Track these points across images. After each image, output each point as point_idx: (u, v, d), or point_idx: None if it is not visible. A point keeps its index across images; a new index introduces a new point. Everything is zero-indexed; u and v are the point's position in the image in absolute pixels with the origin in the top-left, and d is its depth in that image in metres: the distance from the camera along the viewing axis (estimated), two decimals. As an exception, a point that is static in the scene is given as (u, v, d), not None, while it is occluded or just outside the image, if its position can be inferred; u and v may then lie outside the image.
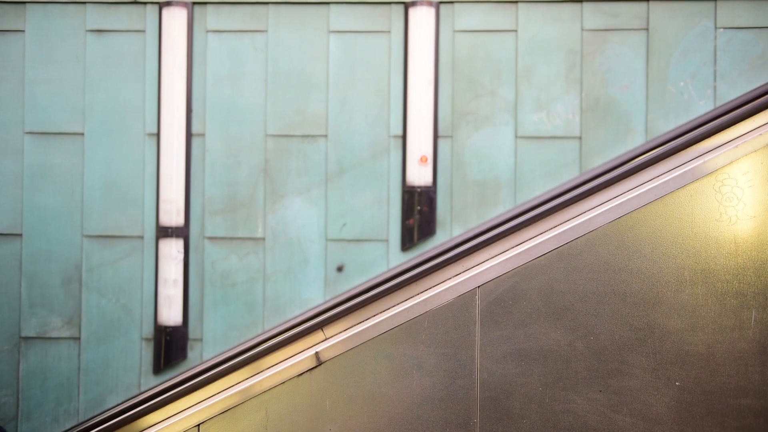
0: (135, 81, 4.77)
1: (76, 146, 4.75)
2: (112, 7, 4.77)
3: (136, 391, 4.51)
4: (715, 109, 4.40)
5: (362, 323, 2.44)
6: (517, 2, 4.70)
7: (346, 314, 2.45)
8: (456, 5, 4.71)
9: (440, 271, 2.44)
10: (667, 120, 4.62)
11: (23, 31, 4.79)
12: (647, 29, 4.67)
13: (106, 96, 4.77)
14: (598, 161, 4.58)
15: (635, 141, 4.60)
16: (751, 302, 2.31)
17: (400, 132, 4.66)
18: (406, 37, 4.70)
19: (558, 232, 2.40)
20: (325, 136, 4.72)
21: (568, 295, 2.36)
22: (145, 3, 4.75)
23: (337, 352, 2.43)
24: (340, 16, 4.75)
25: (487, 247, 2.42)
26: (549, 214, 2.42)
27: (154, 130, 4.72)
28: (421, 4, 4.64)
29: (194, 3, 4.74)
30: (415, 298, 2.42)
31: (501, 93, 4.69)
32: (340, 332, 2.44)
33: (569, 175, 4.59)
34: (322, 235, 4.64)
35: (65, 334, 4.65)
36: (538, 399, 2.35)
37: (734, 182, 2.34)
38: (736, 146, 2.35)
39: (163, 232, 4.60)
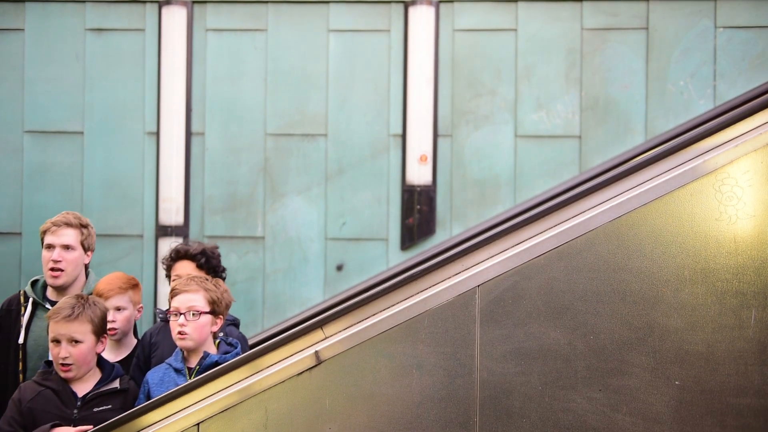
0: (135, 80, 4.76)
1: (75, 145, 4.75)
2: (112, 5, 4.76)
3: (136, 390, 4.51)
4: (715, 108, 4.40)
5: (362, 322, 2.44)
6: (516, 1, 4.70)
7: (346, 313, 2.45)
8: (456, 4, 4.71)
9: (440, 270, 2.43)
10: (666, 119, 4.62)
11: (23, 29, 4.78)
12: (647, 28, 4.67)
13: (106, 95, 4.76)
14: (597, 160, 4.58)
15: (635, 140, 4.60)
16: (750, 301, 2.31)
17: (399, 131, 4.66)
18: (406, 36, 4.70)
19: (558, 231, 2.39)
20: (325, 135, 4.72)
21: (568, 295, 2.36)
22: (144, 2, 4.75)
23: (337, 351, 2.43)
24: (339, 15, 4.75)
25: (487, 246, 2.41)
26: (549, 213, 2.42)
27: (154, 129, 4.72)
28: (421, 3, 4.64)
29: (194, 2, 4.73)
30: (414, 297, 2.42)
31: (501, 92, 4.69)
32: (340, 331, 2.44)
33: (569, 174, 4.59)
34: (322, 234, 4.64)
35: (65, 332, 4.64)
36: (537, 398, 2.35)
37: (734, 181, 2.34)
38: (736, 145, 2.35)
39: (163, 231, 4.60)
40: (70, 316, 2.63)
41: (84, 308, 2.66)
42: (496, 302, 2.39)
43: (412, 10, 4.65)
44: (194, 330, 2.71)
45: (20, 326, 3.08)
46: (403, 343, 2.42)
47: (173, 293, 2.76)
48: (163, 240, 4.59)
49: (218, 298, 2.78)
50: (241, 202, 4.66)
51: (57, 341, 2.63)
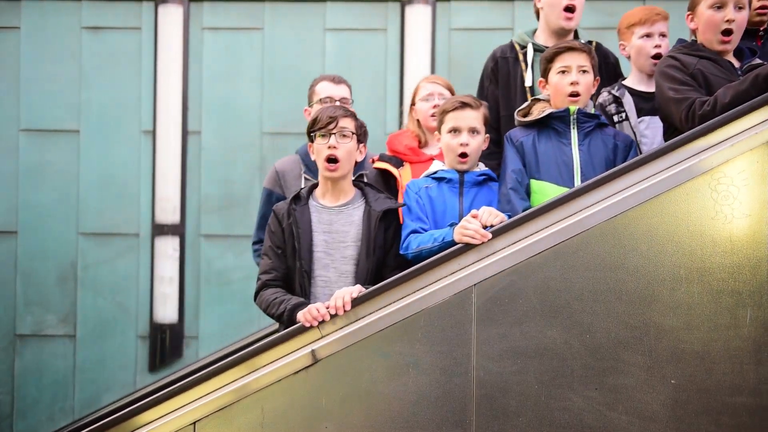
0: (131, 78, 4.75)
1: (71, 144, 4.74)
2: (108, 4, 4.75)
3: (132, 389, 4.50)
4: (711, 107, 4.40)
5: (358, 321, 2.44)
6: (513, 0, 4.69)
7: (343, 312, 2.45)
8: (452, 3, 4.71)
9: (436, 268, 2.44)
10: (663, 118, 4.61)
11: (18, 28, 4.76)
12: (643, 28, 4.66)
13: (102, 93, 4.75)
14: (594, 159, 4.57)
15: (631, 139, 4.60)
16: (746, 300, 2.32)
17: (397, 129, 4.66)
18: (403, 36, 4.69)
19: (554, 230, 2.40)
20: (322, 134, 4.71)
21: (564, 294, 2.36)
22: (140, 0, 4.74)
23: (333, 350, 2.43)
24: (336, 14, 4.74)
25: (484, 245, 2.42)
26: (545, 212, 2.42)
27: (150, 128, 4.71)
28: (418, 2, 4.63)
29: (190, 0, 4.73)
30: (411, 296, 2.42)
31: (497, 91, 4.68)
32: (336, 330, 2.44)
33: (565, 174, 4.58)
34: (319, 233, 4.63)
35: (61, 332, 4.63)
36: (534, 397, 2.36)
37: (730, 181, 2.34)
38: (732, 145, 2.36)
39: (159, 230, 4.59)
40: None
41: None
42: (493, 301, 2.40)
43: (408, 9, 4.65)
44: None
45: (521, 70, 3.26)
46: (400, 342, 2.42)
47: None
48: (159, 239, 4.58)
49: None
50: (238, 200, 4.65)
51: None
